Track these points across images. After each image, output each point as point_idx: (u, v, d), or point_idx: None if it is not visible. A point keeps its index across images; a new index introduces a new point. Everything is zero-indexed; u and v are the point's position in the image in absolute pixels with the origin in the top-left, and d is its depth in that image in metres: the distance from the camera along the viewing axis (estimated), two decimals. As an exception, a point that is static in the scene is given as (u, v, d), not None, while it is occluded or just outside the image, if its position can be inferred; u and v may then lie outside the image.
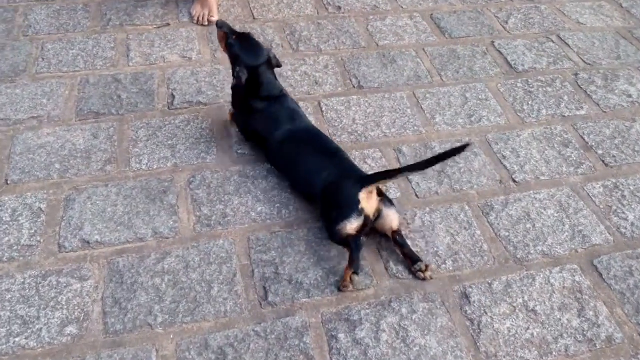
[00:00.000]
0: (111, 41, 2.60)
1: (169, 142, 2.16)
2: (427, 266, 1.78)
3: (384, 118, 2.36)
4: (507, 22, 3.00)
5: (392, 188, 2.07)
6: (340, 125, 2.30)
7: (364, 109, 2.39)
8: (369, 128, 2.30)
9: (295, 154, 1.95)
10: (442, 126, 2.35)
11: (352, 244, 1.71)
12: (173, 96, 2.35)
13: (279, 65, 2.11)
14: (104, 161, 2.07)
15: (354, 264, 1.69)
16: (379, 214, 1.79)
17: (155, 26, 2.72)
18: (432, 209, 2.02)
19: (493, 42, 2.85)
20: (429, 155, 2.19)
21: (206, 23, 2.73)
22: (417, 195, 2.06)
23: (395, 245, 1.84)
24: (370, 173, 1.89)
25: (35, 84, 2.35)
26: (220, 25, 2.11)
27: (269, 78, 2.04)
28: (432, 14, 3.01)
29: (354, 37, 2.78)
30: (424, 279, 1.78)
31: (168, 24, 2.74)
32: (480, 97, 2.51)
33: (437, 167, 2.09)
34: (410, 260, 1.79)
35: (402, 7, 3.04)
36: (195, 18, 2.75)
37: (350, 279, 1.70)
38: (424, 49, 2.76)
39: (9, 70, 2.41)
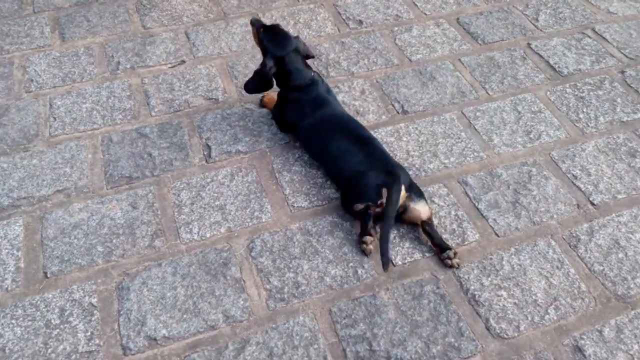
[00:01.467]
0: (126, 88, 2.36)
1: (217, 203, 1.95)
2: (455, 253, 1.77)
3: (439, 146, 2.18)
4: (537, 19, 2.83)
5: (469, 229, 1.90)
6: (395, 160, 2.11)
7: (415, 137, 2.21)
8: (426, 160, 2.12)
9: (325, 141, 1.95)
10: (501, 148, 2.18)
11: (366, 217, 1.79)
12: (208, 147, 2.13)
13: (311, 56, 2.11)
14: (150, 235, 1.85)
15: (364, 232, 1.79)
16: (404, 208, 1.80)
17: (170, 65, 2.48)
18: (518, 249, 1.85)
19: (529, 43, 2.68)
20: (497, 184, 2.03)
21: None
22: (497, 234, 1.90)
23: (424, 234, 1.83)
24: (400, 172, 1.84)
25: (52, 150, 2.11)
26: (254, 22, 2.12)
27: (297, 67, 2.03)
28: (458, 18, 2.82)
29: (383, 54, 2.58)
30: (451, 266, 1.77)
31: (183, 61, 2.50)
32: (532, 109, 2.35)
33: (510, 197, 1.94)
34: (439, 249, 1.78)
35: (425, 14, 2.85)
36: None
37: (364, 240, 1.78)
38: (460, 60, 2.58)
39: (18, 136, 2.15)
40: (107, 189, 1.98)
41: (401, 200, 1.77)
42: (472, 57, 2.60)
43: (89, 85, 2.37)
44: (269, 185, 2.01)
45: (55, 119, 2.22)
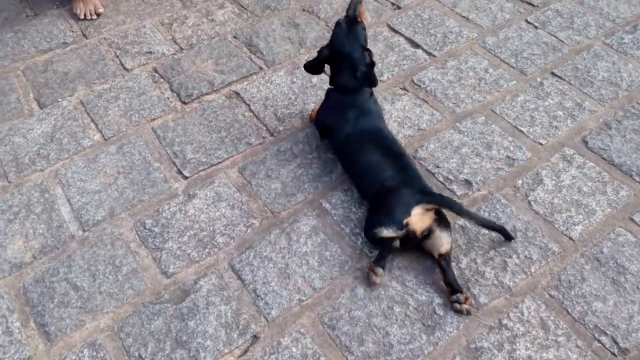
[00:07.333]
0: None
1: None
2: (466, 298, 1.56)
3: None
4: (682, 120, 2.10)
5: None
6: None
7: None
8: None
9: (359, 151, 1.79)
10: None
11: (385, 246, 1.63)
12: None
13: (372, 81, 1.85)
14: None
15: (379, 261, 1.62)
16: (429, 232, 1.63)
17: (238, 355, 1.55)
18: None
19: (701, 167, 1.95)
20: None
21: (95, 17, 2.54)
22: None
23: (439, 268, 1.63)
24: (436, 192, 1.72)
25: None
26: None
27: (347, 69, 1.83)
28: (585, 141, 2.06)
29: (531, 238, 1.77)
30: (459, 311, 1.56)
31: (256, 337, 1.58)
32: None
33: None
34: (451, 289, 1.58)
35: (539, 144, 2.05)
36: (82, 16, 2.54)
37: (374, 270, 1.60)
38: (633, 220, 1.83)
39: None
40: None
41: (427, 222, 1.61)
42: (645, 211, 1.83)
43: None
44: None
45: None
